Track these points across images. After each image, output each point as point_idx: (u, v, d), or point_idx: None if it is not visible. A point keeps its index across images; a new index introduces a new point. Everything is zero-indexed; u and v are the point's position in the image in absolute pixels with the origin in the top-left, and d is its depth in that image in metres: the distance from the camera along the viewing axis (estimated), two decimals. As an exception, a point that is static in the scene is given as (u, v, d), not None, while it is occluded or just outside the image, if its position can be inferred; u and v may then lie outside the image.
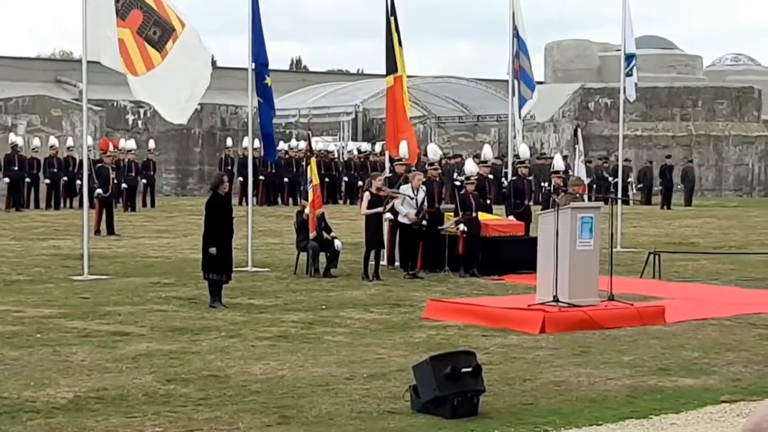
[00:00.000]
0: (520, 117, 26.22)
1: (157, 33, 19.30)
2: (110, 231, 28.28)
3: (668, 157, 48.09)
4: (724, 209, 42.97)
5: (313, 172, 20.55)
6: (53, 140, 40.29)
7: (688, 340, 13.79)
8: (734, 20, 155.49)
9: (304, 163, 30.32)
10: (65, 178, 38.96)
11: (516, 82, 25.70)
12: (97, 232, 27.76)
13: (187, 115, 20.28)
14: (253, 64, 21.82)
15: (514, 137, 26.32)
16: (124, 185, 37.02)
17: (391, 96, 22.40)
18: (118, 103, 48.63)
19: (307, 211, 20.57)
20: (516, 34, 25.47)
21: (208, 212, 16.56)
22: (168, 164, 48.99)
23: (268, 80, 21.62)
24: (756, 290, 19.14)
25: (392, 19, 22.27)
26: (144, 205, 39.98)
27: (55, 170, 38.97)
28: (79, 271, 19.73)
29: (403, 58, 22.30)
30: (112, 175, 30.02)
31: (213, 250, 16.18)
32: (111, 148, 33.39)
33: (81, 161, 29.98)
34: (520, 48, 25.56)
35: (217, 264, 16.26)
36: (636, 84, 28.24)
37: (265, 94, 21.66)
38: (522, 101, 25.84)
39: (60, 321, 14.74)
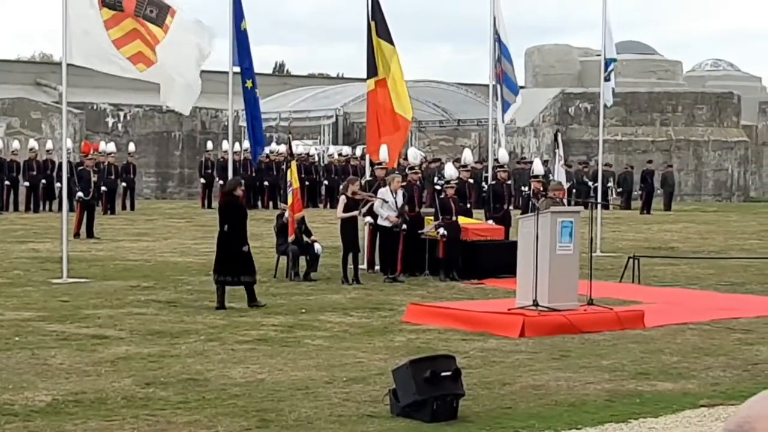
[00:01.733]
0: (503, 121, 26.30)
1: (154, 11, 19.31)
2: (90, 234, 28.19)
3: (649, 162, 48.25)
4: (704, 214, 43.12)
5: (293, 176, 20.55)
6: (33, 143, 40.16)
7: (667, 345, 13.83)
8: (714, 26, 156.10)
9: (284, 167, 30.32)
10: (44, 181, 38.84)
11: (498, 87, 25.76)
12: (77, 235, 27.67)
13: (190, 103, 20.28)
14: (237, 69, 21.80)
15: (495, 141, 26.38)
16: (103, 188, 36.90)
17: (372, 100, 22.39)
18: (97, 106, 48.52)
19: (287, 214, 20.56)
20: (497, 39, 25.52)
21: (225, 215, 16.77)
22: (148, 167, 48.88)
23: (248, 83, 21.56)
24: (735, 295, 19.22)
25: (373, 23, 22.28)
26: (123, 208, 39.88)
27: (35, 173, 38.84)
28: (59, 274, 19.66)
29: (385, 59, 22.23)
30: (94, 178, 29.94)
31: (246, 248, 16.57)
32: (91, 151, 33.32)
33: (60, 164, 29.90)
34: (502, 53, 25.62)
35: (233, 267, 16.43)
36: (613, 89, 28.37)
37: (245, 97, 21.62)
38: (506, 106, 25.92)
39: (39, 324, 14.69)
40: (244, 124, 48.76)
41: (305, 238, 20.45)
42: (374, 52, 22.25)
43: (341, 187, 21.74)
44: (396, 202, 20.58)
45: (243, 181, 17.97)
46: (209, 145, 45.45)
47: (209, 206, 42.47)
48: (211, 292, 17.96)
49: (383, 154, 22.13)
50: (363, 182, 22.33)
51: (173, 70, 19.32)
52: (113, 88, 44.44)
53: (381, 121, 22.25)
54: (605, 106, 28.42)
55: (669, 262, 23.78)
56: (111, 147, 40.62)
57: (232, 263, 16.46)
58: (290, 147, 23.69)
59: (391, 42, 22.38)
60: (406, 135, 24.25)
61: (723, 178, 55.92)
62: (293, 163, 21.33)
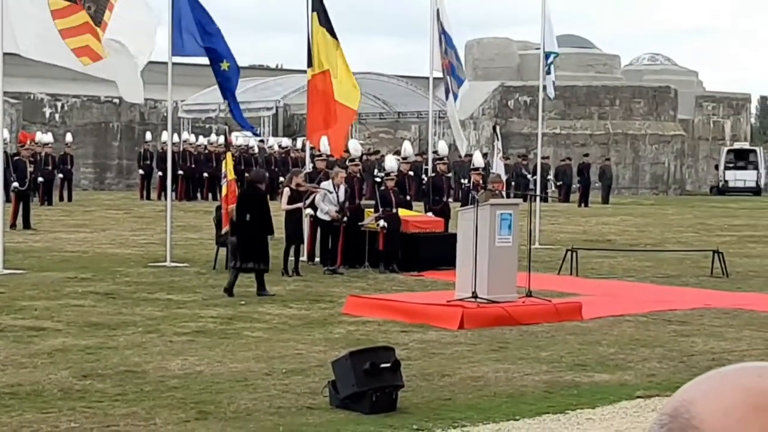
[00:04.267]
0: (456, 111, 26.57)
1: (92, 8, 19.32)
2: (26, 225, 27.91)
3: (586, 155, 48.56)
4: (641, 207, 43.50)
5: (228, 167, 20.48)
6: (-32, 133, 39.66)
7: (605, 336, 13.94)
8: (651, 21, 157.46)
9: (222, 158, 30.17)
10: (-20, 171, 38.36)
11: (449, 79, 25.93)
12: (13, 226, 27.38)
13: (140, 93, 20.57)
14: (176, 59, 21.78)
15: (434, 133, 26.49)
16: (40, 179, 36.53)
17: (312, 89, 22.35)
18: (34, 96, 48.02)
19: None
20: (442, 31, 25.60)
21: (248, 205, 17.54)
22: (86, 158, 48.46)
23: (223, 65, 21.59)
24: (671, 287, 19.41)
25: (314, 14, 22.23)
26: (61, 199, 39.51)
27: (-30, 163, 38.38)
28: (-6, 265, 19.45)
29: (329, 50, 22.21)
30: (30, 168, 29.64)
31: (271, 237, 17.45)
32: (28, 141, 32.99)
33: (-4, 154, 29.52)
34: (447, 44, 25.73)
35: (256, 254, 17.01)
36: (554, 82, 28.54)
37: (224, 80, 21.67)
38: (454, 97, 26.14)
39: (-26, 316, 14.52)
40: (184, 114, 48.78)
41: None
42: (312, 44, 22.23)
43: (285, 179, 21.69)
44: (338, 196, 20.57)
45: (267, 174, 18.52)
46: (148, 136, 45.15)
47: (148, 197, 42.23)
48: (149, 283, 17.91)
49: (324, 145, 22.10)
50: (304, 174, 22.30)
51: (119, 64, 19.42)
52: (50, 77, 43.98)
53: (327, 111, 22.21)
54: (548, 98, 28.58)
55: (606, 255, 23.96)
56: (48, 137, 40.20)
57: (254, 251, 17.01)
58: (226, 138, 23.64)
59: (333, 34, 22.36)
60: (346, 125, 24.10)
61: (660, 171, 56.46)
62: (228, 155, 21.29)
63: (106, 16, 19.43)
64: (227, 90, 21.47)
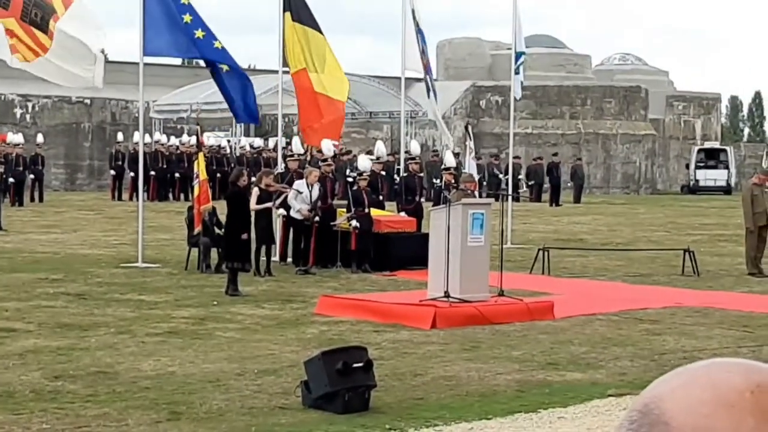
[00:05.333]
0: (438, 112, 26.65)
1: (39, 14, 19.34)
2: (-3, 226, 27.77)
3: (555, 154, 48.64)
4: (612, 206, 43.64)
5: (200, 168, 20.43)
6: (-62, 134, 39.46)
7: (576, 335, 13.99)
8: (622, 21, 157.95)
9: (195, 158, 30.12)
10: (-50, 172, 38.14)
11: (428, 79, 26.02)
12: (-17, 227, 27.25)
13: (99, 76, 20.63)
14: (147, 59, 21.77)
15: (406, 133, 26.51)
16: (11, 180, 36.36)
17: (295, 85, 22.50)
18: (5, 97, 47.78)
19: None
20: (419, 31, 25.64)
21: (230, 204, 17.94)
22: (57, 159, 48.23)
23: (223, 66, 21.86)
24: (642, 286, 19.49)
25: (286, 14, 22.22)
26: (32, 200, 39.33)
27: (-60, 164, 38.14)
28: (-35, 266, 19.35)
29: (308, 48, 22.23)
30: (0, 169, 29.50)
31: (245, 235, 17.56)
32: (-2, 142, 32.88)
33: (-33, 155, 29.41)
34: (423, 44, 25.83)
35: (240, 253, 17.32)
36: (522, 82, 28.63)
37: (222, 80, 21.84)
38: (435, 95, 26.30)
39: (-56, 317, 14.44)
40: (156, 115, 48.66)
41: (217, 231, 20.33)
42: (287, 43, 22.24)
43: (255, 178, 21.65)
44: (311, 195, 20.55)
45: (246, 171, 18.91)
46: (120, 136, 44.97)
47: (119, 198, 42.09)
48: (121, 284, 17.86)
49: (296, 145, 22.09)
50: (275, 174, 22.27)
51: (61, 62, 19.56)
52: (21, 78, 43.71)
53: (311, 106, 22.23)
54: (515, 99, 28.67)
55: (578, 254, 24.03)
56: (18, 138, 40.03)
57: (240, 249, 17.38)
58: (198, 138, 23.60)
59: (319, 30, 22.40)
60: (337, 116, 23.62)
61: (631, 170, 56.67)
62: (200, 155, 21.25)
63: (51, 25, 19.54)
64: (229, 89, 21.70)
